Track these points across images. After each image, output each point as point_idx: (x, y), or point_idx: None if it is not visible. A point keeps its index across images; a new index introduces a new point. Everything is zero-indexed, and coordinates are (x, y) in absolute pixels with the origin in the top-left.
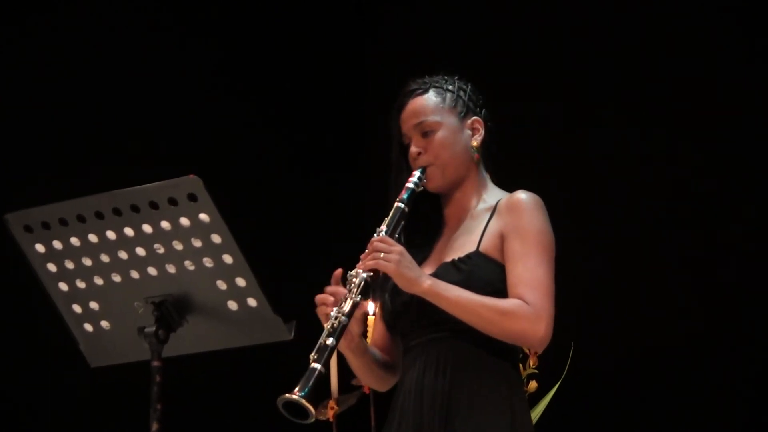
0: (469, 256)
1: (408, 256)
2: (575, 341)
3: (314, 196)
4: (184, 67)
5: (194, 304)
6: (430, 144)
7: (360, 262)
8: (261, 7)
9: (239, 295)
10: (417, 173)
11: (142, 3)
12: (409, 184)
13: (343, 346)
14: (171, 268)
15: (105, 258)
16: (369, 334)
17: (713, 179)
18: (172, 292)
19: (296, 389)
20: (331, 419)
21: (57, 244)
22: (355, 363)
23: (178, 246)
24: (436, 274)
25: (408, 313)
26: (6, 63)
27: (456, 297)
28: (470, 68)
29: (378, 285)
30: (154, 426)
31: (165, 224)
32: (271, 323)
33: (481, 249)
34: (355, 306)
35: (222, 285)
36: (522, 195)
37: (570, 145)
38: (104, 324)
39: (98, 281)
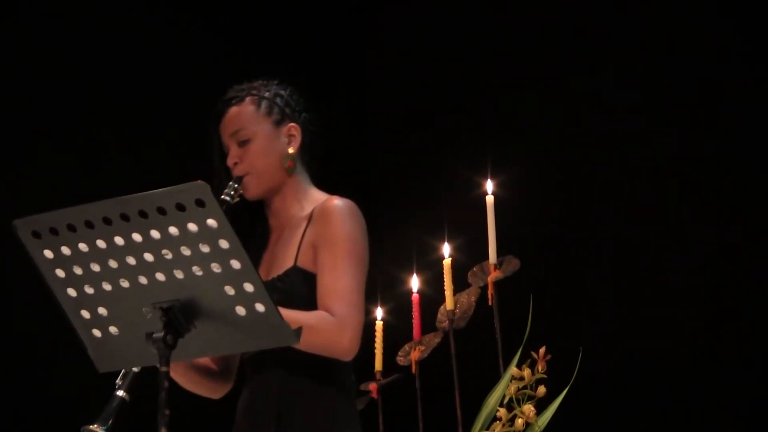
0: (287, 273)
1: None
2: (583, 345)
3: None
4: (193, 69)
5: (202, 310)
6: (246, 154)
7: None
8: (262, 8)
9: (247, 300)
10: (233, 184)
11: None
12: (224, 196)
13: None
14: (179, 274)
15: (113, 264)
16: (378, 340)
17: (721, 177)
18: (180, 298)
19: (98, 421)
20: None
21: (65, 250)
22: (178, 380)
23: (186, 251)
24: None
25: None
26: (8, 64)
27: None
28: (469, 65)
29: None
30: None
31: (173, 230)
32: (279, 328)
33: (298, 264)
34: None
35: (230, 290)
36: (334, 202)
37: (574, 145)
38: (112, 329)
39: (106, 287)
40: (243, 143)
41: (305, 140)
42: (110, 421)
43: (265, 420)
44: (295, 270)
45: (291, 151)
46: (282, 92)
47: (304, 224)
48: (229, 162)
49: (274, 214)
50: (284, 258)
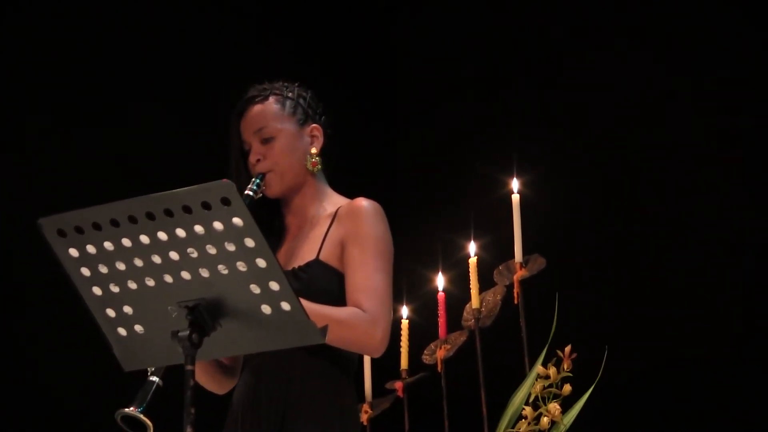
0: (308, 265)
1: None
2: (609, 344)
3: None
4: (208, 65)
5: (227, 308)
6: (269, 151)
7: None
8: (291, 3)
9: (272, 298)
10: (255, 180)
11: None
12: (248, 191)
13: None
14: (204, 272)
15: (139, 262)
16: (404, 339)
17: (760, 179)
18: (205, 296)
19: (133, 404)
20: (365, 423)
21: (91, 249)
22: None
23: (211, 250)
24: None
25: None
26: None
27: None
28: (495, 63)
29: None
30: (188, 430)
31: (198, 228)
32: (304, 327)
33: (321, 257)
34: None
35: (255, 289)
36: (362, 202)
37: (600, 143)
38: (138, 328)
39: (132, 285)
40: (266, 141)
41: (325, 142)
42: (145, 404)
43: (271, 406)
44: (318, 263)
45: (314, 151)
46: (304, 94)
47: (326, 222)
48: (252, 158)
49: (292, 212)
50: (304, 252)
